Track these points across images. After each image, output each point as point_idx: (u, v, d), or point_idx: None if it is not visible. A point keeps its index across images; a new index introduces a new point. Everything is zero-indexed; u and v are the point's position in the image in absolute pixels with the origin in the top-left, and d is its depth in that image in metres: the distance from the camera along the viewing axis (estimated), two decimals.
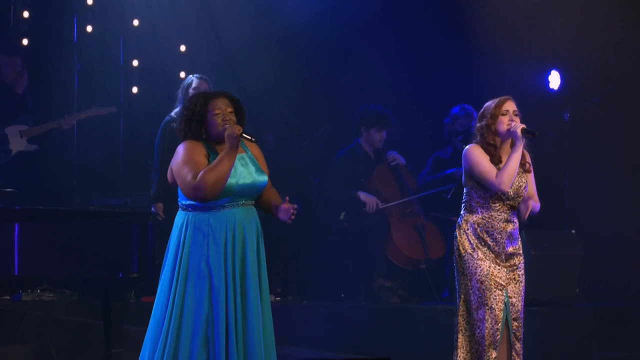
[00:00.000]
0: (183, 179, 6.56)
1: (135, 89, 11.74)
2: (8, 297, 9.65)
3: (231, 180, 6.58)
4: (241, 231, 6.63)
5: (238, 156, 6.64)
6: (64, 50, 11.50)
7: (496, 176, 7.21)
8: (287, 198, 6.73)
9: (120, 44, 11.69)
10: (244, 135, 6.56)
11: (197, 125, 6.66)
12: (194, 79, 9.57)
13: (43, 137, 10.86)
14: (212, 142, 6.67)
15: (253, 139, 6.63)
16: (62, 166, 11.22)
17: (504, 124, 7.26)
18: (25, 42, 11.42)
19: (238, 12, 11.57)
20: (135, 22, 11.69)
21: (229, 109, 6.66)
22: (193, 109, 6.67)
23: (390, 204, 10.61)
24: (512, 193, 7.27)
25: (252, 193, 6.71)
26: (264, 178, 6.74)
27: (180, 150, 6.64)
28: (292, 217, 6.69)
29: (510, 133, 7.23)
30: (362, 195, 10.60)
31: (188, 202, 6.67)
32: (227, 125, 6.57)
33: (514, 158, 7.22)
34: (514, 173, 7.21)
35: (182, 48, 11.83)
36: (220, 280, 6.55)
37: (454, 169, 10.38)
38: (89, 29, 11.61)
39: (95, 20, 11.62)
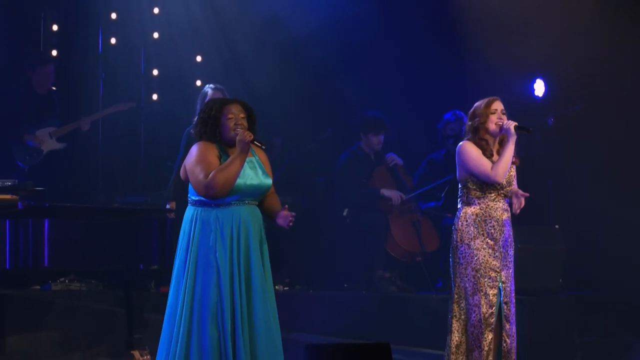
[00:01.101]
0: (196, 177, 6.59)
1: (155, 96, 11.76)
2: (38, 287, 9.65)
3: (239, 181, 6.61)
4: (245, 227, 6.66)
5: (247, 159, 6.67)
6: (90, 60, 11.53)
7: (492, 168, 7.29)
8: (286, 206, 6.78)
9: (142, 54, 11.72)
10: (255, 142, 6.60)
11: (211, 127, 6.69)
12: (208, 90, 9.57)
13: (71, 137, 10.88)
14: (224, 144, 6.70)
15: (263, 147, 6.69)
16: (88, 166, 11.24)
17: (493, 122, 7.37)
18: (54, 52, 11.46)
19: (249, 25, 11.58)
20: (155, 35, 11.71)
21: (242, 115, 6.69)
22: (209, 113, 6.72)
23: (411, 195, 10.63)
24: (505, 183, 7.36)
25: (258, 194, 6.74)
26: (269, 181, 6.78)
27: (195, 150, 6.67)
28: (291, 223, 6.72)
29: (503, 130, 7.30)
30: (386, 192, 10.62)
31: (197, 198, 6.70)
32: (238, 130, 6.59)
33: (509, 151, 7.32)
34: (508, 165, 7.32)
35: (198, 58, 11.83)
36: (226, 270, 6.59)
37: (443, 180, 10.44)
38: (113, 41, 11.63)
39: (119, 33, 11.63)
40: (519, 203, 7.38)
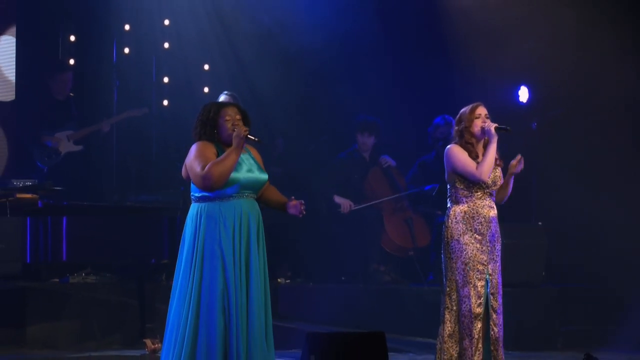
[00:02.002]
0: (194, 170, 6.60)
1: (165, 102, 11.76)
2: (57, 280, 9.66)
3: (238, 175, 6.62)
4: (246, 218, 6.66)
5: (244, 156, 6.69)
6: (105, 68, 11.53)
7: (477, 168, 7.31)
8: (293, 197, 6.80)
9: (153, 63, 11.72)
10: (249, 136, 6.63)
11: (210, 128, 6.69)
12: (222, 96, 9.58)
13: (86, 140, 10.90)
14: (222, 143, 6.70)
15: (257, 139, 6.69)
16: (103, 167, 11.23)
17: (477, 126, 7.39)
18: (72, 61, 11.46)
19: (253, 36, 11.58)
20: (166, 45, 11.72)
21: (238, 117, 6.70)
22: (207, 115, 6.72)
23: (362, 205, 10.58)
24: (490, 182, 7.38)
25: (256, 187, 6.74)
26: (265, 176, 6.78)
27: (194, 148, 6.68)
28: (303, 211, 6.75)
29: (485, 132, 7.33)
30: (337, 198, 10.60)
31: (200, 194, 6.69)
32: (236, 128, 6.62)
33: (491, 151, 7.33)
34: (491, 164, 7.33)
35: (206, 67, 11.83)
36: (230, 259, 6.59)
37: (431, 186, 10.42)
38: (126, 50, 11.64)
39: (132, 43, 11.64)
40: (505, 193, 7.47)
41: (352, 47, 11.37)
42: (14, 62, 11.06)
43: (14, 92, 10.92)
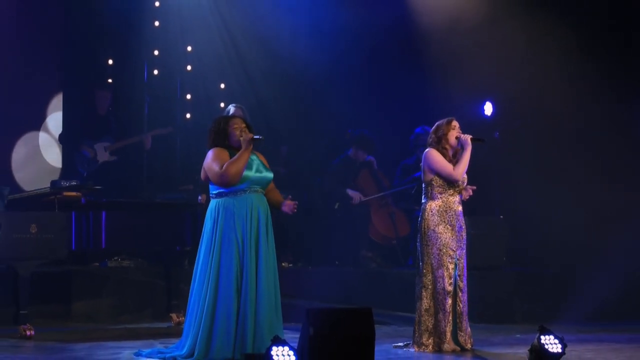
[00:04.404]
0: (213, 170, 6.68)
1: (188, 115, 11.73)
2: (97, 264, 9.64)
3: (249, 173, 6.71)
4: (256, 210, 6.72)
5: (253, 157, 6.77)
6: (137, 87, 11.49)
7: (454, 169, 7.39)
8: (290, 197, 6.93)
9: (178, 83, 11.69)
10: (254, 137, 6.70)
11: (222, 137, 6.80)
12: (232, 107, 9.54)
13: (121, 151, 10.87)
14: (232, 148, 6.79)
15: (261, 138, 6.76)
16: (135, 170, 11.19)
17: (453, 136, 7.51)
18: (110, 81, 11.42)
19: (262, 59, 11.58)
20: (189, 68, 11.68)
21: (243, 125, 6.83)
22: (218, 126, 6.84)
23: (369, 197, 10.61)
24: (461, 182, 7.40)
25: (263, 183, 6.82)
26: (271, 174, 6.88)
27: (210, 153, 6.78)
28: (294, 209, 6.85)
29: (461, 141, 7.40)
30: (350, 192, 10.61)
31: (217, 191, 6.76)
32: (243, 134, 6.72)
33: (466, 157, 7.46)
34: (466, 167, 7.47)
35: (222, 86, 11.81)
36: (242, 244, 6.63)
37: (417, 174, 10.39)
38: (155, 72, 11.60)
39: (160, 66, 11.60)
40: (468, 193, 7.53)
41: (344, 69, 11.36)
42: None
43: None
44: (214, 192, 6.79)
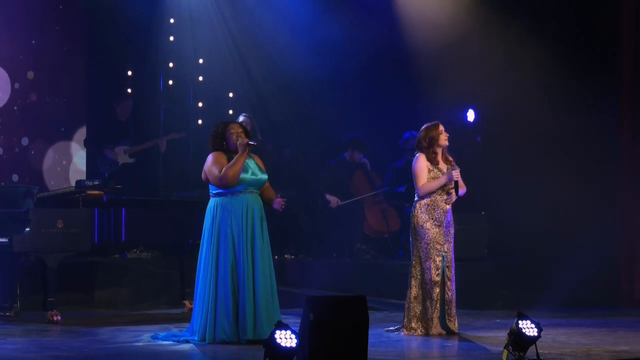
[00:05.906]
0: (213, 174, 6.68)
1: (200, 121, 11.71)
2: (118, 256, 9.61)
3: (245, 175, 6.71)
4: (251, 209, 6.71)
5: (249, 161, 6.76)
6: (154, 96, 11.47)
7: (421, 185, 7.34)
8: (279, 195, 6.91)
9: (190, 92, 11.67)
10: (249, 143, 6.68)
11: (220, 141, 6.78)
12: (240, 117, 9.45)
13: (139, 154, 10.84)
14: (230, 152, 6.77)
15: (256, 144, 6.79)
16: (152, 171, 11.16)
17: (443, 139, 7.46)
18: (129, 90, 11.38)
19: (266, 70, 11.56)
20: (200, 78, 11.67)
21: (240, 130, 6.79)
22: (217, 131, 6.83)
23: (346, 201, 10.51)
24: (449, 182, 7.42)
25: (258, 185, 6.81)
26: (265, 176, 6.86)
27: (210, 157, 6.77)
28: (282, 207, 6.83)
29: (448, 177, 7.34)
30: (328, 196, 10.54)
31: (216, 191, 6.77)
32: (239, 139, 6.67)
33: (437, 183, 7.34)
34: (432, 190, 7.33)
35: (230, 94, 11.79)
36: (238, 239, 6.63)
37: (403, 188, 10.37)
38: (170, 82, 11.58)
39: (175, 77, 11.58)
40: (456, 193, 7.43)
41: (340, 81, 11.37)
42: None
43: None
44: (213, 192, 6.82)
